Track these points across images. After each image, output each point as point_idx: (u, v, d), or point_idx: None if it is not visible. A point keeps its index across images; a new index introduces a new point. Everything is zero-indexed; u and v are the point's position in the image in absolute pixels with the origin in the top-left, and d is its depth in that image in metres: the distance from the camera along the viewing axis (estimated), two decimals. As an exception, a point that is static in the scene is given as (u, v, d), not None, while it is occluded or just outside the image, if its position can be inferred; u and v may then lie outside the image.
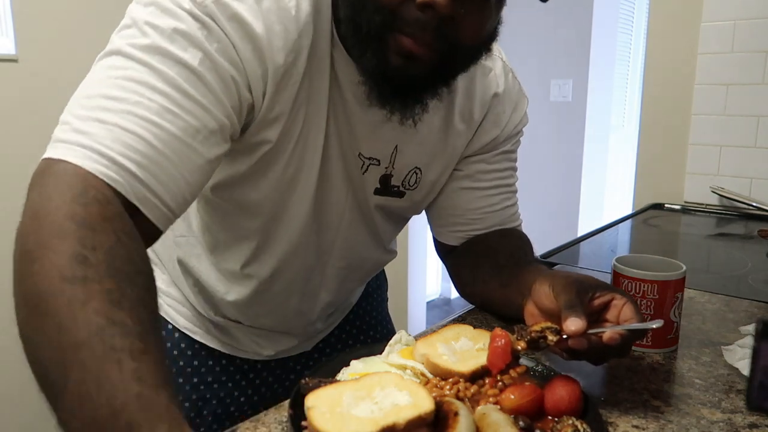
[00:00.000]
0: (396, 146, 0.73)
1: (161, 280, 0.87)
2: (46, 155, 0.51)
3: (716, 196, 1.67)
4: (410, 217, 0.88)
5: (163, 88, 0.53)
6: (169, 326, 0.87)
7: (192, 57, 0.55)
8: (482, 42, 0.63)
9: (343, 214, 0.76)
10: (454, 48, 0.59)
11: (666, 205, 1.75)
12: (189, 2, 0.55)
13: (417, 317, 2.92)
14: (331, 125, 0.68)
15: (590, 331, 0.59)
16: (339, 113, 0.68)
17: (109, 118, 0.51)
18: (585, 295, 0.62)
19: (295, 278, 0.79)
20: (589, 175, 3.48)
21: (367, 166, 0.73)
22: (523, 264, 0.77)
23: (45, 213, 0.46)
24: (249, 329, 0.87)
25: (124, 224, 0.49)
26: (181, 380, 0.86)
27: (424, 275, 3.00)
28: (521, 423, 0.52)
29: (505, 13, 0.63)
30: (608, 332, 0.59)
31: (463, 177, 0.82)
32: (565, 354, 0.61)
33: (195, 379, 0.86)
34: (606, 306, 0.62)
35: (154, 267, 0.51)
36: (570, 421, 0.52)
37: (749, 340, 0.64)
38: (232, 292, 0.80)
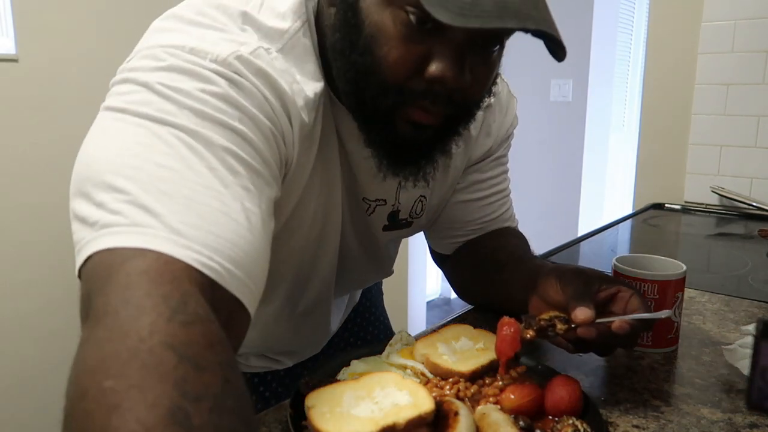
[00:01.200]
0: (399, 182, 0.72)
1: None
2: (99, 246, 0.41)
3: (716, 196, 1.67)
4: None
5: (220, 155, 0.47)
6: None
7: (232, 117, 0.49)
8: (488, 90, 0.61)
9: (354, 256, 0.77)
10: (463, 108, 0.58)
11: (666, 205, 1.75)
12: (210, 62, 0.50)
13: (417, 317, 2.92)
14: (341, 177, 0.67)
15: (598, 321, 0.59)
16: (343, 163, 0.67)
17: (178, 191, 0.43)
18: (592, 286, 0.62)
19: (316, 316, 0.81)
20: (589, 175, 3.48)
21: (374, 208, 0.73)
22: (523, 260, 0.78)
23: (135, 335, 0.35)
24: (266, 356, 0.87)
25: (227, 352, 0.39)
26: None
27: (424, 275, 3.00)
28: (521, 423, 0.52)
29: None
30: (617, 321, 0.59)
31: (460, 190, 0.81)
32: (570, 346, 0.62)
33: None
34: (611, 298, 0.63)
35: None
36: (570, 421, 0.52)
37: (750, 340, 0.64)
38: (254, 345, 0.82)
